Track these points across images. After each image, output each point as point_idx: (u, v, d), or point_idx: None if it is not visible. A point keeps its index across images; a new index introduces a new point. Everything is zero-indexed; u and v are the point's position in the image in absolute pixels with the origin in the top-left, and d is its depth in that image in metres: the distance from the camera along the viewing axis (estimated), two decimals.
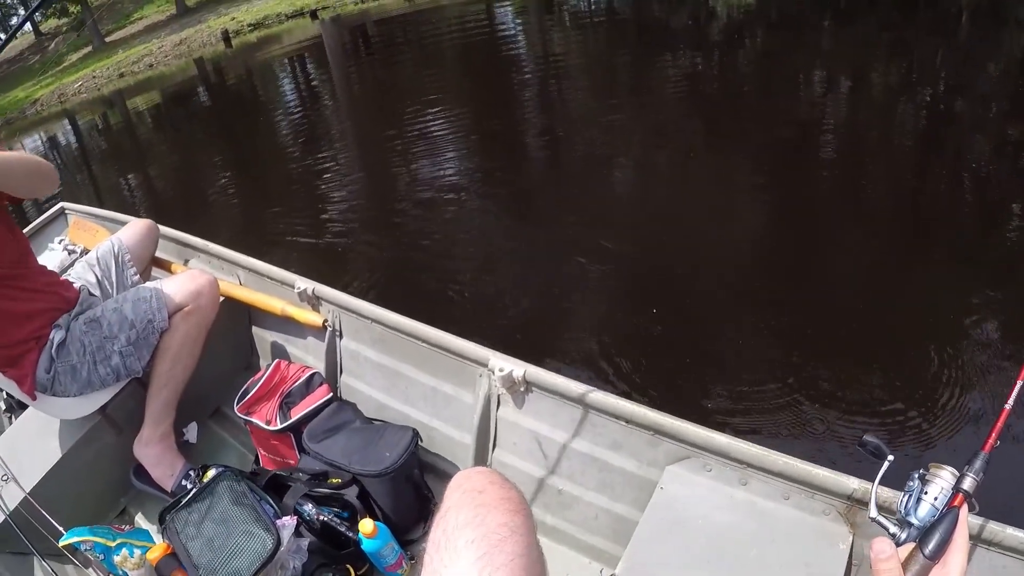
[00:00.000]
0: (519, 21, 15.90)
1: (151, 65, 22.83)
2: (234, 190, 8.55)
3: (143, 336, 2.47)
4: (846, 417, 3.23)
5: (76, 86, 22.69)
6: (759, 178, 5.93)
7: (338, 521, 2.08)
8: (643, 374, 3.72)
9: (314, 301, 2.71)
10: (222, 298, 2.72)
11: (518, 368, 2.07)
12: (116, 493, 2.69)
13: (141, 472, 2.59)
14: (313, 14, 23.34)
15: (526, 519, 1.10)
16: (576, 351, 4.05)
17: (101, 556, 2.18)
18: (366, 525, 1.99)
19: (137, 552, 2.20)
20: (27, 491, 2.37)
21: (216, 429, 2.94)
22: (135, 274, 2.87)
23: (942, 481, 1.14)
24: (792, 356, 3.65)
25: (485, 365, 2.15)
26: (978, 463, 1.12)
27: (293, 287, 2.73)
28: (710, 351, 3.81)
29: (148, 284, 2.65)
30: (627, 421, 1.88)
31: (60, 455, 2.52)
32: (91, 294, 2.64)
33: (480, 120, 8.92)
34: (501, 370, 2.07)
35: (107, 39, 29.22)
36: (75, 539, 2.18)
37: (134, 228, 3.00)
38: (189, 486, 2.49)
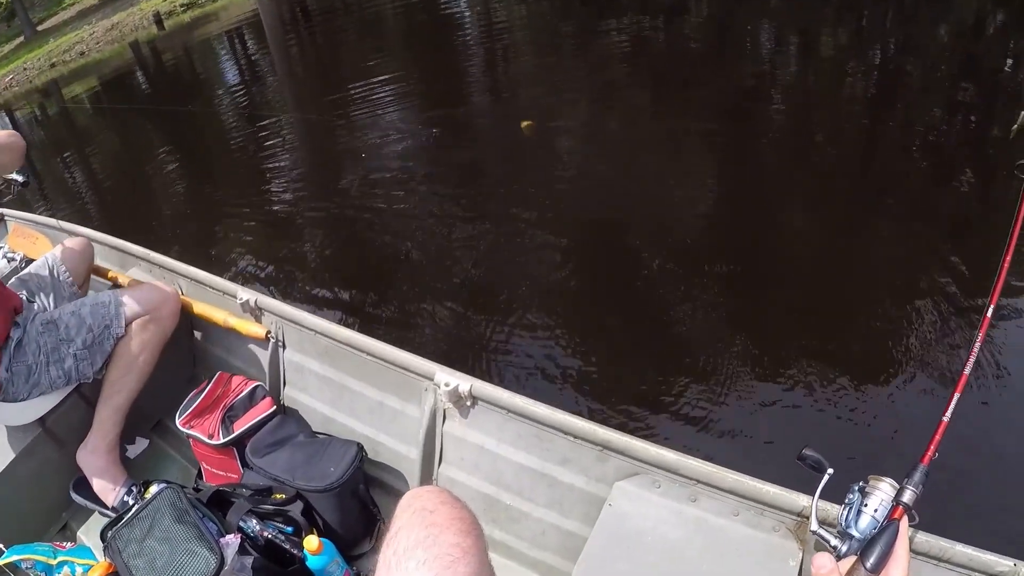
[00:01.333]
0: None
1: (83, 53, 21.96)
2: (176, 177, 8.35)
3: (99, 341, 2.46)
4: (787, 426, 3.30)
5: (7, 80, 21.87)
6: (707, 146, 6.07)
7: (283, 538, 2.07)
8: (588, 376, 3.76)
9: (257, 312, 2.68)
10: None
11: (464, 382, 2.07)
12: (58, 508, 2.65)
13: (81, 485, 2.56)
14: None
15: (477, 539, 1.10)
16: (521, 344, 4.06)
17: (43, 574, 2.15)
18: (311, 542, 1.98)
19: (79, 570, 2.18)
20: None
21: (158, 442, 2.90)
22: (72, 285, 2.84)
23: (882, 493, 1.16)
24: (735, 359, 3.71)
25: (431, 379, 2.15)
26: (917, 475, 1.14)
27: (236, 297, 2.70)
28: (656, 347, 3.86)
29: (108, 291, 2.65)
30: (575, 436, 1.89)
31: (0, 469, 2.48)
32: (29, 301, 2.60)
33: (425, 92, 8.91)
34: (447, 384, 2.07)
35: (39, 27, 28.26)
36: (15, 557, 2.15)
37: (68, 246, 2.97)
38: (131, 502, 2.47)
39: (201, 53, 17.39)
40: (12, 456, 2.51)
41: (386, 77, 9.53)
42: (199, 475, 2.57)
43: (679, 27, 9.88)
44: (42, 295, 2.71)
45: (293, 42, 16.14)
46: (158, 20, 22.37)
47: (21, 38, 27.18)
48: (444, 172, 6.47)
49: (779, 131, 6.17)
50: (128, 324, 2.51)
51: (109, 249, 3.42)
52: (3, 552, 2.17)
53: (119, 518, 2.09)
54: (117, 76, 17.99)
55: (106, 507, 2.50)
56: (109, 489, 2.51)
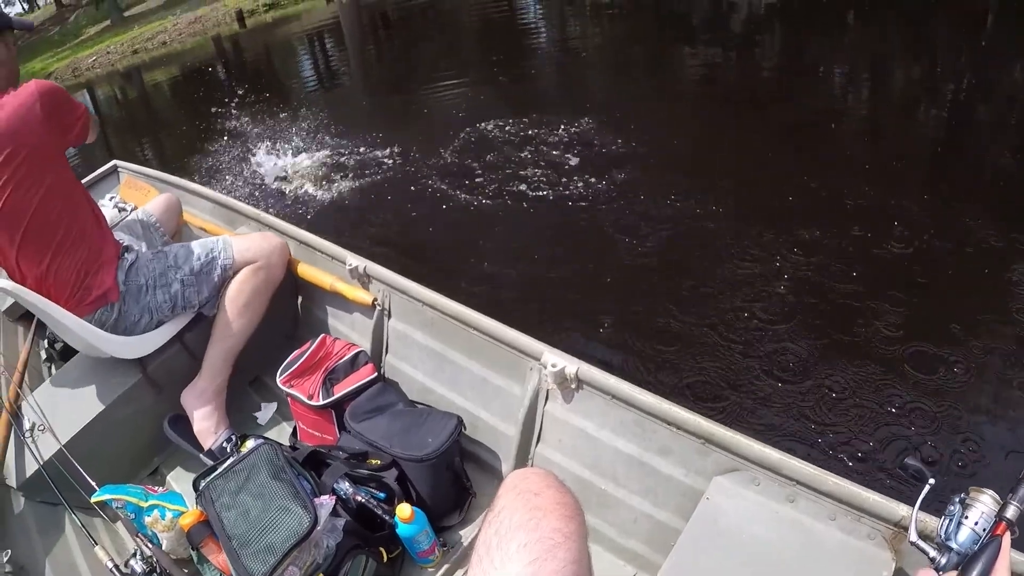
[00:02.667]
0: (540, 8, 15.85)
1: (164, 43, 22.61)
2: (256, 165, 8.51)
3: (206, 271, 2.56)
4: (889, 435, 3.18)
5: (90, 61, 22.49)
6: (779, 173, 5.83)
7: (375, 503, 2.05)
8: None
9: (364, 279, 2.68)
10: None
11: (571, 364, 2.02)
12: (151, 452, 2.71)
13: (178, 423, 2.61)
14: None
15: (580, 526, 1.07)
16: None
17: (132, 515, 2.17)
18: (404, 510, 1.95)
19: (169, 515, 2.18)
20: (62, 443, 2.39)
21: (256, 399, 2.92)
22: (164, 236, 2.95)
23: (983, 506, 1.11)
24: (828, 364, 3.59)
25: (538, 359, 2.10)
26: (1022, 491, 1.08)
27: (344, 263, 2.70)
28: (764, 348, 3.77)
29: (220, 236, 2.73)
30: (678, 427, 1.83)
31: (99, 410, 2.53)
32: (126, 250, 2.67)
33: (506, 106, 8.76)
34: (554, 365, 2.03)
35: (126, 13, 28.98)
36: (107, 496, 2.18)
37: (158, 201, 3.15)
38: (228, 450, 2.53)
39: (281, 52, 17.83)
40: (112, 399, 2.56)
41: (462, 91, 9.69)
42: (294, 434, 2.58)
43: (750, 57, 9.76)
44: (142, 244, 2.79)
45: (372, 49, 16.45)
46: (240, 17, 22.88)
47: (108, 22, 27.99)
48: (520, 188, 6.46)
49: (850, 166, 6.04)
50: (239, 267, 2.59)
51: (220, 207, 3.47)
52: (95, 489, 2.20)
53: (213, 468, 2.10)
54: (198, 67, 18.45)
55: (201, 449, 2.54)
56: (209, 432, 2.56)
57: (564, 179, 6.10)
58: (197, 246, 2.57)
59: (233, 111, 10.19)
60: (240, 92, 11.83)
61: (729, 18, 11.83)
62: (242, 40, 20.53)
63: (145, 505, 2.19)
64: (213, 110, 10.62)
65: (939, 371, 3.38)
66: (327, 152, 8.06)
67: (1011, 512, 1.07)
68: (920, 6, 9.69)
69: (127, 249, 2.53)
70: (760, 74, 8.85)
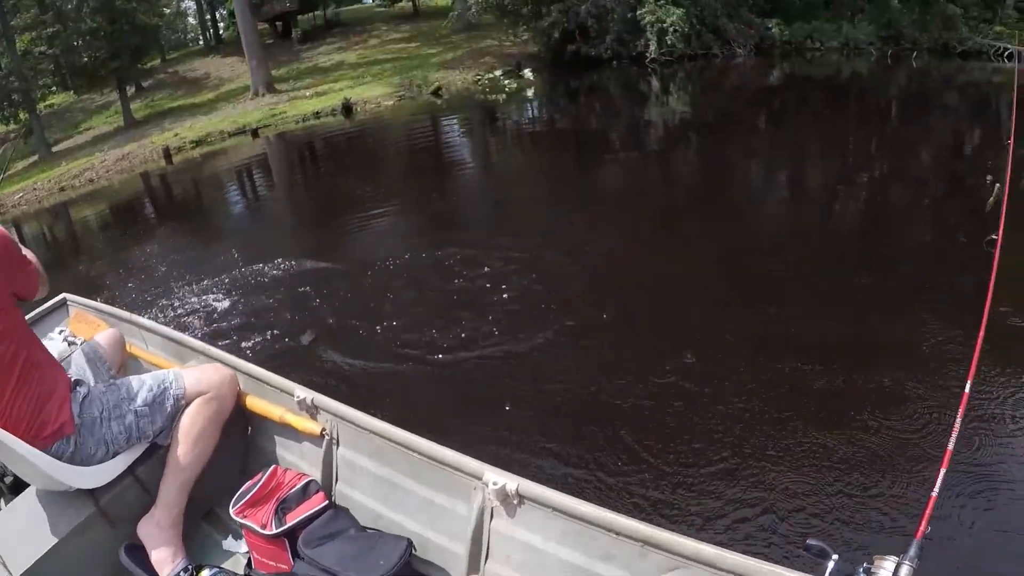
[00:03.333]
0: (463, 131, 16.93)
1: (92, 180, 22.43)
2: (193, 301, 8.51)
3: (159, 401, 2.63)
4: (790, 510, 3.46)
5: (16, 197, 22.04)
6: (711, 276, 6.46)
7: None
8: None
9: (312, 410, 2.78)
10: None
11: (511, 482, 2.14)
12: None
13: (134, 552, 2.60)
14: (254, 132, 23.53)
15: None
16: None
17: None
18: None
19: None
20: None
21: (209, 530, 2.96)
22: (110, 370, 3.00)
23: (886, 571, 1.21)
24: (731, 448, 3.92)
25: (479, 478, 2.22)
26: (912, 550, 1.20)
27: (292, 395, 2.80)
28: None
29: (170, 369, 2.82)
30: (617, 533, 1.94)
31: (51, 544, 2.51)
32: (77, 384, 2.72)
33: (433, 226, 9.35)
34: (495, 483, 2.14)
35: (54, 148, 28.56)
36: None
37: (102, 337, 3.18)
38: None
39: (209, 186, 17.96)
40: (65, 533, 2.55)
41: (391, 215, 10.16)
42: (249, 564, 2.62)
43: (668, 162, 10.64)
44: (90, 377, 2.85)
45: (299, 179, 17.01)
46: (167, 154, 22.86)
47: (36, 157, 27.60)
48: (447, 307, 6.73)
49: (775, 230, 6.55)
50: (190, 398, 2.68)
51: (168, 341, 3.55)
52: None
53: None
54: (127, 203, 18.52)
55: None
56: (166, 562, 2.56)
57: (492, 300, 6.42)
58: (148, 378, 2.66)
59: (162, 245, 10.25)
60: (169, 226, 11.92)
61: (647, 133, 12.38)
62: (170, 176, 20.57)
63: None
64: (143, 245, 10.71)
65: (831, 456, 3.75)
66: (254, 281, 8.22)
67: (904, 572, 1.18)
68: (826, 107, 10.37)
69: (78, 383, 2.60)
70: (678, 180, 9.37)
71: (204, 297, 8.05)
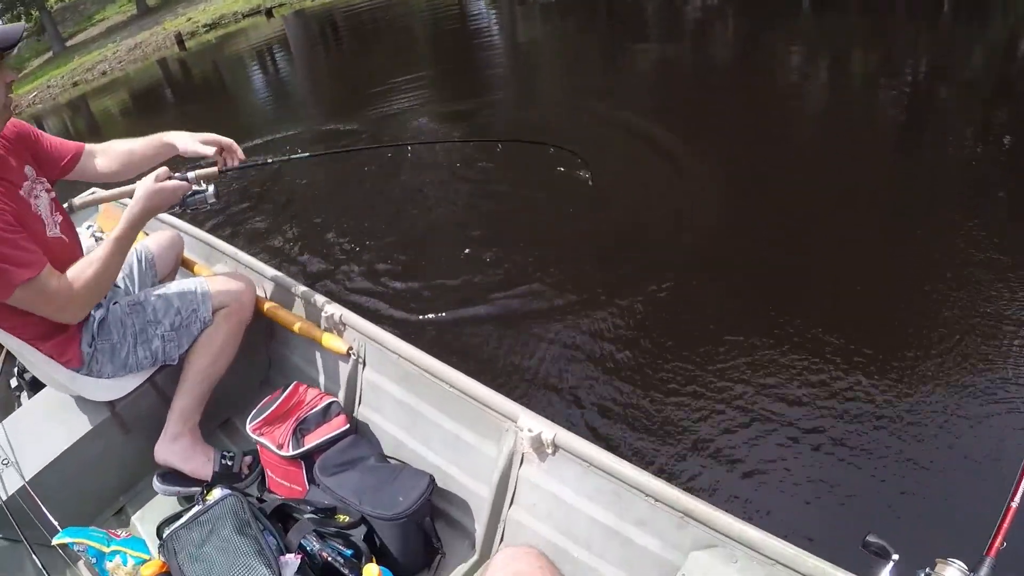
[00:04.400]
0: (491, 9, 16.04)
1: (105, 72, 22.05)
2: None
3: (186, 324, 2.51)
4: (849, 505, 3.16)
5: (31, 96, 21.89)
6: (739, 171, 5.99)
7: (341, 562, 2.00)
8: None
9: (340, 327, 2.65)
10: None
11: (548, 429, 2.00)
12: (116, 491, 2.67)
13: (166, 478, 2.56)
14: (268, 12, 22.83)
15: None
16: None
17: (94, 560, 2.12)
18: (371, 570, 1.91)
19: (131, 561, 2.13)
20: (26, 479, 2.35)
21: (225, 441, 2.87)
22: (156, 276, 2.87)
23: None
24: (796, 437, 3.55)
25: (514, 421, 2.08)
26: (984, 570, 1.07)
27: (320, 308, 2.68)
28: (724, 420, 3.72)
29: (191, 278, 2.66)
30: (656, 499, 1.80)
31: (65, 447, 2.49)
32: (115, 285, 2.62)
33: (463, 114, 8.94)
34: (530, 430, 2.01)
35: (67, 43, 28.12)
36: (69, 539, 2.12)
37: (158, 238, 3.04)
38: (233, 465, 2.56)
39: (230, 68, 17.64)
40: (79, 436, 2.52)
41: (418, 95, 9.78)
42: (263, 482, 2.53)
43: (703, 50, 10.03)
44: (127, 280, 2.74)
45: (322, 60, 16.46)
46: (180, 41, 22.45)
47: (50, 53, 27.23)
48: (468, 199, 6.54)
49: (807, 163, 6.13)
50: (214, 312, 2.55)
51: (196, 242, 3.44)
52: (58, 530, 2.15)
53: (177, 516, 2.05)
54: (146, 91, 18.30)
55: (204, 483, 2.46)
56: (204, 463, 2.54)
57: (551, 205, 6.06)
58: (176, 297, 2.50)
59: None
60: (193, 111, 11.72)
61: (682, 11, 11.93)
62: (185, 63, 20.19)
63: (107, 550, 2.14)
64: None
65: (895, 443, 3.38)
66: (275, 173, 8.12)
67: None
68: None
69: (97, 305, 2.42)
70: (716, 71, 9.00)
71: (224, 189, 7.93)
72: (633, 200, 5.93)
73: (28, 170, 2.32)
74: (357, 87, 11.42)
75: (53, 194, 2.43)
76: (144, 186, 2.28)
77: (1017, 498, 1.17)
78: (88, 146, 2.63)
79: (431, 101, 9.49)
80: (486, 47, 12.56)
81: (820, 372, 3.78)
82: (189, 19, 24.65)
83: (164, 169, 2.34)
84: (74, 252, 2.37)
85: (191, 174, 2.39)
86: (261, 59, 17.45)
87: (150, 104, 16.24)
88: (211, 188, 2.44)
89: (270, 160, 2.98)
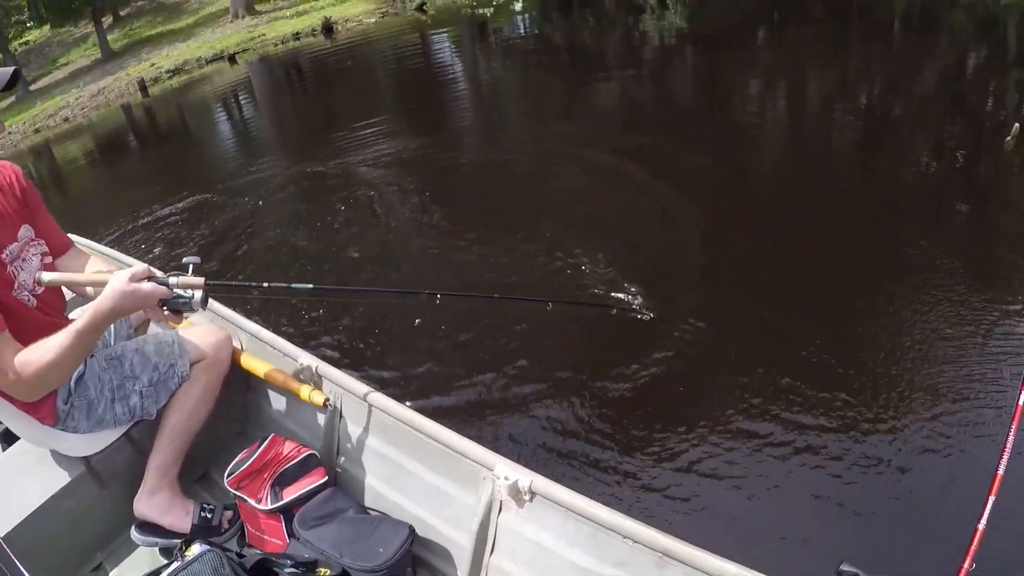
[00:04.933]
0: (453, 47, 16.50)
1: (67, 119, 21.65)
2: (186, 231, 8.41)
3: (164, 379, 2.50)
4: (820, 531, 3.21)
5: None
6: (702, 196, 6.11)
7: None
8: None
9: (317, 379, 2.66)
10: None
11: (524, 477, 2.03)
12: (93, 547, 2.63)
13: (144, 527, 2.54)
14: (231, 58, 22.78)
15: None
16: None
17: None
18: None
19: None
20: (1, 535, 2.31)
21: (203, 494, 2.86)
22: (130, 327, 2.87)
23: None
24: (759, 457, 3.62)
25: (491, 469, 2.11)
26: None
27: (296, 360, 2.69)
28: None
29: (168, 331, 2.68)
30: (634, 540, 1.83)
31: (40, 502, 2.45)
32: None
33: (422, 146, 9.12)
34: (507, 477, 2.04)
35: (32, 87, 27.41)
36: None
37: None
38: (212, 519, 2.52)
39: (194, 114, 17.53)
40: (53, 491, 2.49)
41: (381, 134, 9.91)
42: (243, 535, 2.52)
43: (667, 79, 10.28)
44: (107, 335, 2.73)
45: (287, 102, 16.54)
46: (142, 87, 22.05)
47: (13, 98, 26.71)
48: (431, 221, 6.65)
49: (771, 181, 6.41)
50: (191, 365, 2.55)
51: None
52: None
53: (156, 573, 2.04)
54: (110, 138, 18.06)
55: (183, 535, 2.43)
56: (183, 516, 2.52)
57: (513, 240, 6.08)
58: (152, 352, 2.50)
59: (150, 180, 10.09)
60: (157, 157, 11.68)
61: (643, 48, 12.15)
62: (147, 109, 19.99)
63: None
64: (131, 181, 10.51)
65: (866, 476, 3.42)
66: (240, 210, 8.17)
67: None
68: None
69: None
70: (674, 98, 9.35)
71: (183, 232, 8.06)
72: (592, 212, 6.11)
73: (25, 230, 2.33)
74: (322, 128, 11.45)
75: (49, 259, 2.42)
76: (116, 285, 2.03)
77: (983, 520, 1.20)
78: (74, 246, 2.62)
79: (396, 140, 9.58)
80: (450, 86, 12.77)
81: (789, 409, 3.83)
82: (153, 64, 24.37)
83: (144, 267, 2.14)
84: (53, 325, 2.24)
85: (173, 279, 2.12)
86: (226, 104, 17.40)
87: (115, 150, 16.09)
88: (197, 295, 2.18)
89: (265, 284, 2.50)
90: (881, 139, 6.91)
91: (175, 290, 2.11)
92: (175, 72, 23.10)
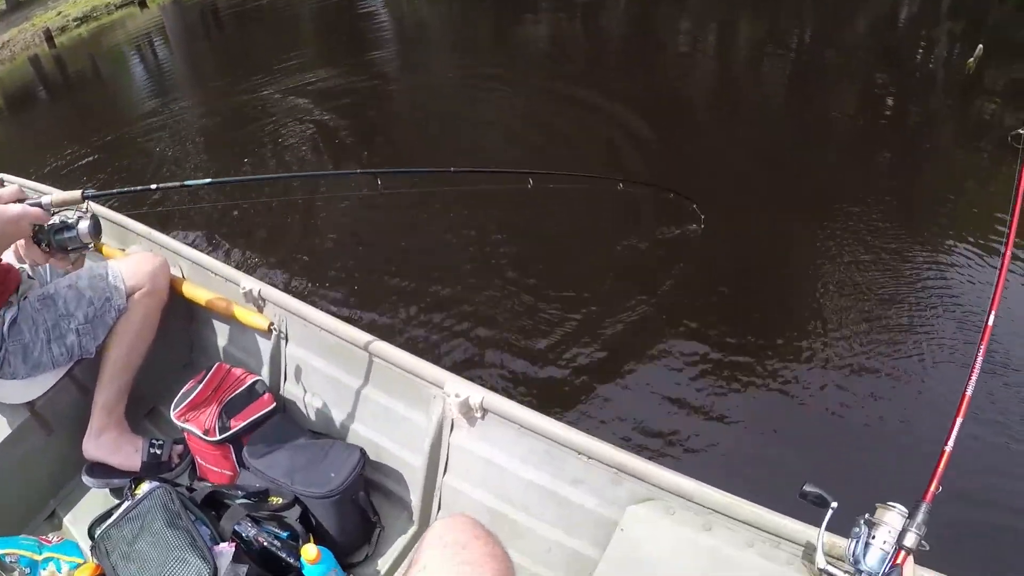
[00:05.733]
0: None
1: None
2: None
3: (100, 314, 2.40)
4: (789, 458, 3.21)
5: None
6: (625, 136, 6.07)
7: (278, 544, 1.99)
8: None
9: (260, 302, 2.59)
10: None
11: (475, 393, 2.00)
12: (45, 495, 2.58)
13: (95, 470, 2.49)
14: (142, 2, 21.61)
15: None
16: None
17: (27, 570, 2.07)
18: (309, 551, 1.90)
19: (65, 567, 2.10)
20: None
21: (152, 430, 2.81)
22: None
23: (888, 525, 1.11)
24: (727, 389, 3.62)
25: (440, 387, 2.07)
26: (920, 515, 1.09)
27: (238, 285, 2.61)
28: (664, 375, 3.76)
29: (101, 263, 2.55)
30: (589, 456, 1.82)
31: None
32: (29, 276, 2.53)
33: (347, 87, 8.88)
34: (457, 394, 2.00)
35: None
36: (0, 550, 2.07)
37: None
38: (159, 453, 2.49)
39: (106, 63, 16.77)
40: None
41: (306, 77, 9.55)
42: (194, 469, 2.49)
43: (597, 22, 10.02)
44: (40, 270, 2.64)
45: (204, 47, 15.91)
46: (48, 37, 20.78)
47: None
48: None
49: (703, 119, 6.40)
50: (128, 297, 2.45)
51: (109, 224, 3.31)
52: None
53: (108, 514, 2.01)
54: (17, 92, 17.04)
55: (133, 474, 2.39)
56: (132, 454, 2.48)
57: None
58: (86, 287, 2.40)
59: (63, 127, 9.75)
60: (71, 108, 11.34)
61: None
62: (64, 57, 18.91)
63: (40, 558, 2.10)
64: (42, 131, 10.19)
65: (830, 397, 3.46)
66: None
67: (910, 540, 1.07)
68: None
69: (7, 304, 2.33)
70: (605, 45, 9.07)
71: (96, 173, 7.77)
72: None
73: None
74: (242, 67, 11.11)
75: None
76: None
77: (950, 443, 1.19)
78: None
79: (315, 79, 9.32)
80: (374, 27, 12.36)
81: (751, 337, 3.85)
82: (60, 13, 22.96)
83: (14, 187, 1.95)
84: None
85: (46, 198, 1.90)
86: (140, 51, 16.65)
87: (25, 105, 15.40)
88: (84, 225, 1.95)
89: (154, 187, 2.24)
90: (839, 67, 6.87)
91: (53, 212, 1.92)
92: (83, 20, 21.96)
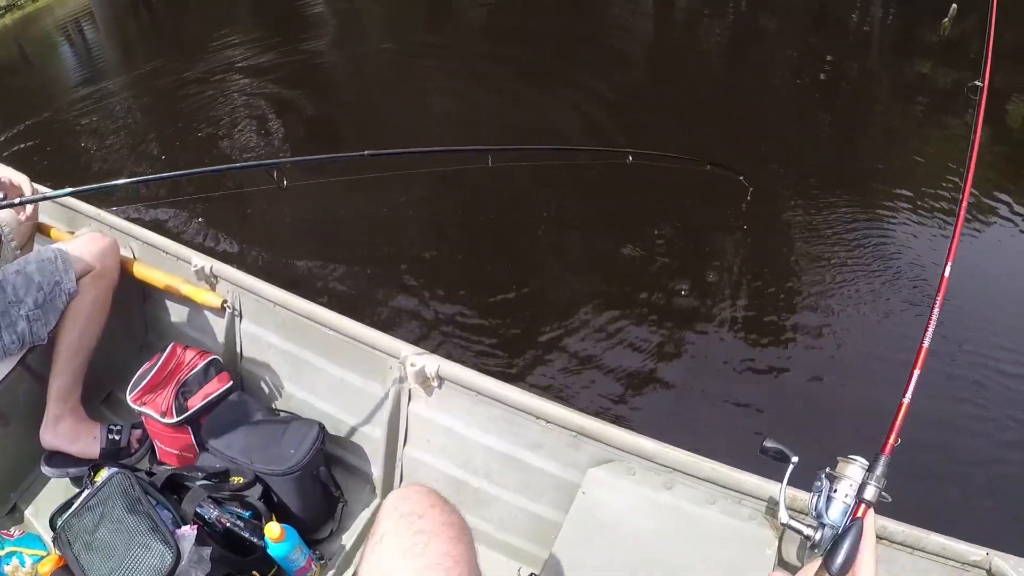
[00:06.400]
0: None
1: None
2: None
3: (50, 299, 2.35)
4: (747, 414, 3.24)
5: None
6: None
7: (241, 524, 1.99)
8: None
9: (212, 279, 2.56)
10: None
11: (431, 362, 2.00)
12: (5, 488, 2.54)
13: (53, 459, 2.46)
14: None
15: (468, 546, 1.06)
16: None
17: None
18: (272, 530, 1.90)
19: (28, 560, 2.09)
20: None
21: (110, 416, 2.78)
22: (15, 247, 2.70)
23: (850, 478, 1.12)
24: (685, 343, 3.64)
25: (396, 357, 2.07)
26: (879, 468, 1.10)
27: (190, 263, 2.57)
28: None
29: (49, 246, 2.49)
30: (547, 421, 1.84)
31: None
32: None
33: (281, 65, 8.73)
34: (413, 364, 2.00)
35: None
36: None
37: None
38: (118, 439, 2.45)
39: (36, 51, 16.05)
40: None
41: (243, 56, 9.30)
42: (153, 453, 2.46)
43: None
44: None
45: (134, 31, 15.47)
46: None
47: None
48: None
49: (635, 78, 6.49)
50: (78, 279, 2.41)
51: (57, 206, 3.25)
52: None
53: (68, 504, 2.00)
54: None
55: (93, 462, 2.35)
56: (91, 443, 2.44)
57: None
58: (35, 271, 2.34)
59: None
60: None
61: None
62: None
63: (2, 553, 2.09)
64: None
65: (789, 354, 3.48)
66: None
67: (870, 493, 1.08)
68: None
69: None
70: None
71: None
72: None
73: None
74: (173, 51, 10.81)
75: None
76: None
77: (908, 395, 1.19)
78: None
79: (250, 57, 9.08)
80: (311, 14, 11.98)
81: (710, 295, 3.87)
82: None
83: None
84: None
85: None
86: (68, 37, 16.14)
87: None
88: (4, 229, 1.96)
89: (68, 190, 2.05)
90: (777, 33, 6.92)
91: None
92: (8, 8, 21.30)
